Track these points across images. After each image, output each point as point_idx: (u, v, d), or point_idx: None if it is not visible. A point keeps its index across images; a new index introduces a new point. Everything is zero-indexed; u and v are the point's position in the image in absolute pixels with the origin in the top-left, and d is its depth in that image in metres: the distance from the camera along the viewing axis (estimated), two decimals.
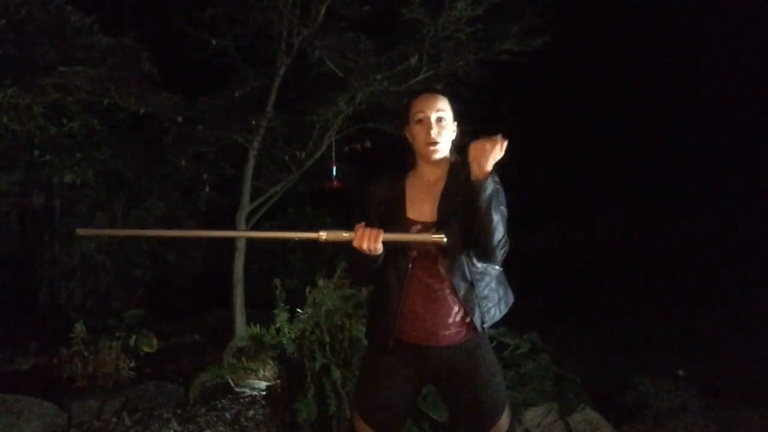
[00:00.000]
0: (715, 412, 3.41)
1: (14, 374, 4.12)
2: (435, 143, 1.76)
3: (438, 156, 1.78)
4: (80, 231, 1.76)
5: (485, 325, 1.77)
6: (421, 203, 1.79)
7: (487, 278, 1.79)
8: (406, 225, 1.75)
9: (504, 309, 1.83)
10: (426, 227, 1.74)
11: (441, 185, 1.80)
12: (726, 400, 3.63)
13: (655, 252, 11.05)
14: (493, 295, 1.79)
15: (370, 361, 1.90)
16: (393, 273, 1.76)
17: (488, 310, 1.78)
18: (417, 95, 1.84)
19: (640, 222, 13.68)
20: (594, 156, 11.94)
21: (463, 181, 1.72)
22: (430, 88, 1.90)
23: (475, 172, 1.61)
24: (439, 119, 1.77)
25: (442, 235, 1.64)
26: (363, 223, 1.67)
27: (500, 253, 1.71)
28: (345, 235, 1.67)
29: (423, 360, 1.78)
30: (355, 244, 1.64)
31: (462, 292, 1.73)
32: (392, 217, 1.77)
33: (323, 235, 1.65)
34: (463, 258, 1.74)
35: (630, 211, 13.64)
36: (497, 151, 1.57)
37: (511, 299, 1.87)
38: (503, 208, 1.71)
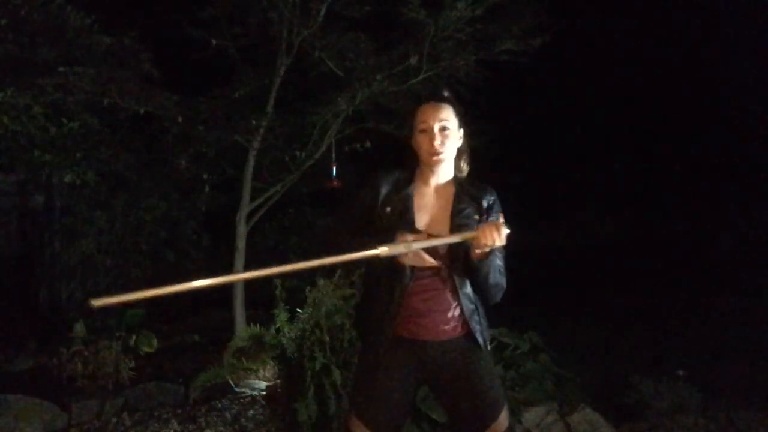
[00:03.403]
0: (715, 412, 3.40)
1: (14, 374, 4.11)
2: (438, 153, 1.77)
3: (441, 165, 1.81)
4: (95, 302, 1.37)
5: (486, 341, 1.84)
6: (428, 213, 1.80)
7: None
8: (414, 233, 1.73)
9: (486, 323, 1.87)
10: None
11: (446, 197, 1.82)
12: (726, 400, 3.62)
13: (656, 252, 11.04)
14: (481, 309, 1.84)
15: (366, 359, 1.88)
16: (386, 281, 1.76)
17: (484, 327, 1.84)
18: (421, 104, 1.84)
19: (641, 222, 13.67)
20: (595, 155, 11.95)
21: (469, 199, 1.80)
22: (435, 97, 1.84)
23: (477, 253, 1.67)
24: (443, 128, 1.77)
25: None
26: (421, 233, 1.70)
27: (497, 297, 1.81)
28: (434, 241, 1.65)
29: (422, 355, 1.78)
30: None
31: (466, 299, 1.78)
32: (400, 223, 1.75)
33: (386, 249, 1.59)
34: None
35: (631, 210, 13.64)
36: (503, 239, 1.62)
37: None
38: (500, 263, 1.77)
